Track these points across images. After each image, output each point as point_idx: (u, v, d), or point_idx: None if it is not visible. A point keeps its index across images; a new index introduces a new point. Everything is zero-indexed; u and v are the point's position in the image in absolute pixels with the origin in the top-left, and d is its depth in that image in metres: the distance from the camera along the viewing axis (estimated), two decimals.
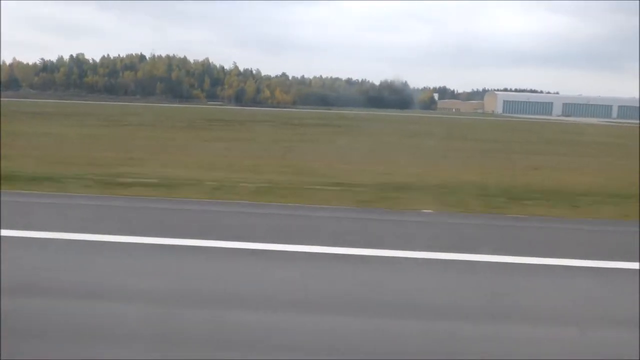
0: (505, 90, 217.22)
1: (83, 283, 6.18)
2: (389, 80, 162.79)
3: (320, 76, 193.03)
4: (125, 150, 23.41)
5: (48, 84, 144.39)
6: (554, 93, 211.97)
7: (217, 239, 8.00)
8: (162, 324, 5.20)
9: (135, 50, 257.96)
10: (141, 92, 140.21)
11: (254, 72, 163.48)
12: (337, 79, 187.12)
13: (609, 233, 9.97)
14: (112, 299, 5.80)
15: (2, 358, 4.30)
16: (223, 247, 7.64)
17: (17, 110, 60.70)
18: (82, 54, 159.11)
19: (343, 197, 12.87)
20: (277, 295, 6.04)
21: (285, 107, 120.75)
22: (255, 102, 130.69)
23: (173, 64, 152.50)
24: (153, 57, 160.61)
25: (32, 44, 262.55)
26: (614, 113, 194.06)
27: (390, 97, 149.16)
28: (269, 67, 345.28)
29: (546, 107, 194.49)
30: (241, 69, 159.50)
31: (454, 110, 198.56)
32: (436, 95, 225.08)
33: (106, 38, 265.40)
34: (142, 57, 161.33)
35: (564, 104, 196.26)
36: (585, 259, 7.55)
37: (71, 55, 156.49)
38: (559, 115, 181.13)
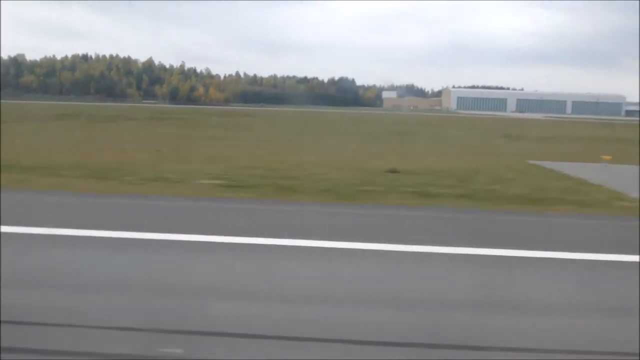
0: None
1: None
2: (335, 79, 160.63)
3: (275, 75, 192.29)
4: None
5: None
6: (510, 89, 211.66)
7: None
8: None
9: (131, 53, 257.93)
10: (77, 91, 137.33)
11: (199, 71, 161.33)
12: (289, 77, 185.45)
13: None
14: None
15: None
16: None
17: None
18: (23, 55, 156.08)
19: None
20: None
21: (217, 105, 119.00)
22: (189, 100, 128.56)
23: (114, 63, 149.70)
24: (97, 57, 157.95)
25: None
26: (568, 109, 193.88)
27: (336, 95, 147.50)
28: (262, 68, 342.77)
29: (500, 103, 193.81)
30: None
31: (411, 107, 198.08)
32: (394, 93, 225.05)
33: (101, 40, 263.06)
34: (85, 57, 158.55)
35: (517, 99, 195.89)
36: None
37: (9, 56, 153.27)
38: (512, 111, 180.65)
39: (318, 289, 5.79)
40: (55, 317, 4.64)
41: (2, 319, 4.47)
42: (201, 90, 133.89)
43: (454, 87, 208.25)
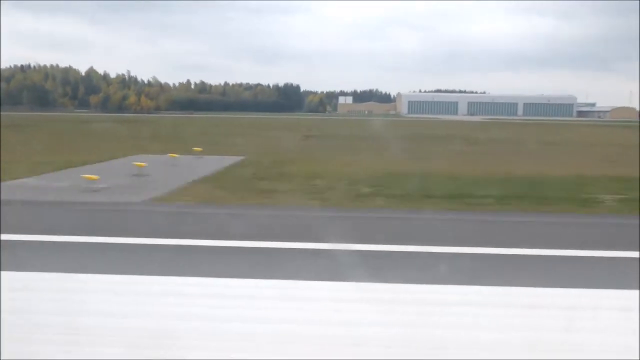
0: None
1: None
2: (280, 85, 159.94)
3: (226, 83, 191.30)
4: None
5: None
6: (462, 92, 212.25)
7: None
8: None
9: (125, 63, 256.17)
10: (10, 101, 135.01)
11: (141, 80, 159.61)
12: (238, 85, 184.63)
13: None
14: None
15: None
16: None
17: None
18: None
19: None
20: None
21: (148, 113, 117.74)
22: (121, 108, 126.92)
23: (51, 73, 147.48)
24: (36, 67, 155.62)
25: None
26: (520, 110, 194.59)
27: (279, 101, 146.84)
28: (252, 76, 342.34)
29: (451, 106, 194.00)
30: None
31: (366, 112, 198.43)
32: (350, 99, 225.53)
33: (95, 51, 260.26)
34: (23, 68, 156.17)
35: (468, 102, 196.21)
36: None
37: None
38: (464, 114, 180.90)
39: None
40: None
41: None
42: (132, 98, 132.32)
43: (422, 91, 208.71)
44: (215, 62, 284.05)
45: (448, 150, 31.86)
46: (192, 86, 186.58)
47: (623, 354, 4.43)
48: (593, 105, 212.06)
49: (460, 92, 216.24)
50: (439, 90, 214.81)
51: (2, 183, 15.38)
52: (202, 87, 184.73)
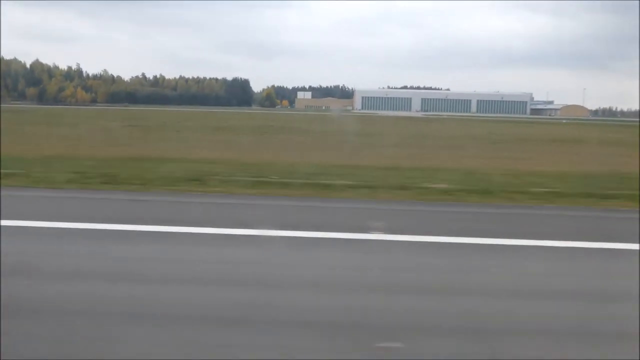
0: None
1: None
2: (228, 79, 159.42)
3: (182, 76, 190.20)
4: None
5: None
6: (415, 88, 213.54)
7: None
8: None
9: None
10: None
11: (86, 73, 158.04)
12: (188, 79, 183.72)
13: None
14: None
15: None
16: None
17: None
18: None
19: None
20: None
21: (83, 105, 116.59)
22: (57, 100, 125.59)
23: None
24: None
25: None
26: (473, 107, 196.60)
27: (225, 95, 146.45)
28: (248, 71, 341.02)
29: (405, 102, 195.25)
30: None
31: (323, 107, 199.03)
32: (309, 94, 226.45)
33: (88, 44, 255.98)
34: None
35: (422, 99, 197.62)
36: None
37: None
38: (417, 110, 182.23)
39: None
40: None
41: None
42: (69, 91, 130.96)
43: (386, 88, 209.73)
44: (207, 57, 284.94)
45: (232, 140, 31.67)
46: (146, 80, 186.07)
47: None
48: (551, 103, 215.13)
49: (446, 90, 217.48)
50: (418, 87, 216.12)
51: None
52: (155, 81, 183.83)
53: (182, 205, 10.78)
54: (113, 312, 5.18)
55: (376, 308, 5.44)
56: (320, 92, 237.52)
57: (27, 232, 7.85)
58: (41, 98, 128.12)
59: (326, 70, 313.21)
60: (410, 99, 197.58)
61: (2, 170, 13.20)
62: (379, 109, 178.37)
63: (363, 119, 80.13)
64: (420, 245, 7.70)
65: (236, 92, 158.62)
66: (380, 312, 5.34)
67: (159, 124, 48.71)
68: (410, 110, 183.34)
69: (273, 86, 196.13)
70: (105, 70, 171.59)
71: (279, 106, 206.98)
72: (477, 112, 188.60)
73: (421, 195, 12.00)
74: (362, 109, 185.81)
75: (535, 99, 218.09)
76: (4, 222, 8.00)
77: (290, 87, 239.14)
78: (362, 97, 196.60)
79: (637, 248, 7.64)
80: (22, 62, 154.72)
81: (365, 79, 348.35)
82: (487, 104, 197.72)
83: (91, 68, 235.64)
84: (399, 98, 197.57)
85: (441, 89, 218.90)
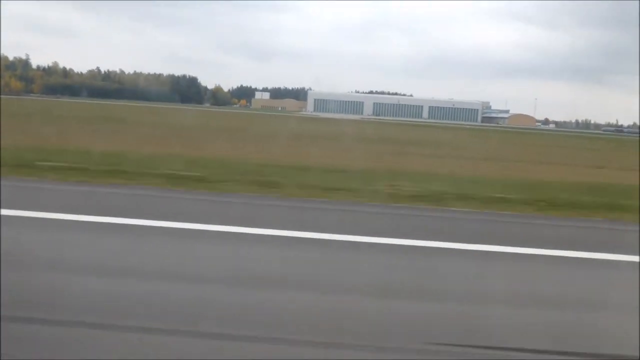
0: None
1: None
2: (176, 75, 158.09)
3: (135, 72, 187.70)
4: None
5: None
6: (367, 93, 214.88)
7: None
8: None
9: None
10: None
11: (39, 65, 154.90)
12: (139, 74, 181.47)
13: None
14: None
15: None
16: None
17: None
18: None
19: None
20: None
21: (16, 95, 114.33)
22: None
23: None
24: None
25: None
26: (425, 113, 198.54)
27: (169, 92, 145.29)
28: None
29: (357, 106, 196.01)
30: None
31: (279, 108, 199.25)
32: (266, 95, 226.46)
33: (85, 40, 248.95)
34: None
35: (374, 103, 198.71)
36: None
37: None
38: (369, 114, 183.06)
39: None
40: None
41: None
42: (4, 80, 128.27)
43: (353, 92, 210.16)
44: (205, 57, 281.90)
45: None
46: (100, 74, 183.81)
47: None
48: (507, 112, 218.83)
49: (409, 96, 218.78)
50: (396, 93, 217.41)
51: None
52: (107, 75, 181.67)
53: None
54: None
55: None
56: (282, 94, 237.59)
57: None
58: None
59: (306, 72, 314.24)
60: (363, 102, 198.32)
61: None
62: (331, 112, 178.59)
63: (285, 119, 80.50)
64: None
65: (181, 89, 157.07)
66: None
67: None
68: (362, 114, 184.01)
69: (217, 85, 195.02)
70: (55, 62, 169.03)
71: (236, 105, 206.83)
72: (429, 118, 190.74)
73: None
74: (315, 111, 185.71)
75: (493, 108, 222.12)
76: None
77: (261, 88, 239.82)
78: (315, 100, 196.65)
79: None
80: None
81: (345, 83, 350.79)
82: (439, 110, 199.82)
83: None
84: (351, 102, 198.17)
85: (403, 95, 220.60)
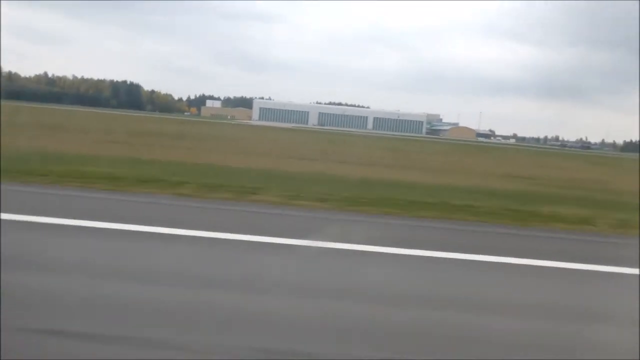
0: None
1: None
2: (116, 81, 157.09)
3: (74, 77, 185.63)
4: None
5: None
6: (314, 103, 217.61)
7: None
8: None
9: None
10: None
11: None
12: (88, 79, 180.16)
13: None
14: None
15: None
16: None
17: None
18: None
19: None
20: None
21: None
22: None
23: None
24: None
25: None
26: (369, 124, 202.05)
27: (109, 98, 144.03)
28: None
29: (302, 115, 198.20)
30: None
31: (229, 117, 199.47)
32: (218, 103, 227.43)
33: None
34: None
35: (319, 113, 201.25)
36: None
37: None
38: (314, 125, 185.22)
39: None
40: None
41: None
42: None
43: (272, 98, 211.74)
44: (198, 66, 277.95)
45: None
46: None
47: None
48: (456, 124, 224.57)
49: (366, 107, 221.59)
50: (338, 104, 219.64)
51: None
52: (51, 80, 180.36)
53: None
54: None
55: None
56: (235, 103, 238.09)
57: None
58: None
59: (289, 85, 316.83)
60: (308, 112, 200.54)
61: None
62: (276, 121, 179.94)
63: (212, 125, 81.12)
64: None
65: (120, 95, 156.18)
66: None
67: None
68: (307, 123, 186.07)
69: (161, 92, 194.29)
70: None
71: (187, 113, 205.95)
72: (374, 129, 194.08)
73: None
74: (259, 119, 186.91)
75: (444, 121, 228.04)
76: None
77: (223, 97, 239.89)
78: (260, 108, 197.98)
79: None
80: None
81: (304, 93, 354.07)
82: (384, 121, 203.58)
83: None
84: (297, 111, 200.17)
85: (352, 106, 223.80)
